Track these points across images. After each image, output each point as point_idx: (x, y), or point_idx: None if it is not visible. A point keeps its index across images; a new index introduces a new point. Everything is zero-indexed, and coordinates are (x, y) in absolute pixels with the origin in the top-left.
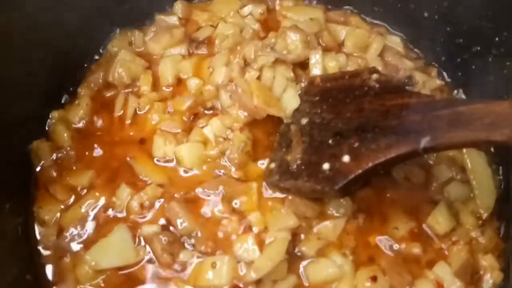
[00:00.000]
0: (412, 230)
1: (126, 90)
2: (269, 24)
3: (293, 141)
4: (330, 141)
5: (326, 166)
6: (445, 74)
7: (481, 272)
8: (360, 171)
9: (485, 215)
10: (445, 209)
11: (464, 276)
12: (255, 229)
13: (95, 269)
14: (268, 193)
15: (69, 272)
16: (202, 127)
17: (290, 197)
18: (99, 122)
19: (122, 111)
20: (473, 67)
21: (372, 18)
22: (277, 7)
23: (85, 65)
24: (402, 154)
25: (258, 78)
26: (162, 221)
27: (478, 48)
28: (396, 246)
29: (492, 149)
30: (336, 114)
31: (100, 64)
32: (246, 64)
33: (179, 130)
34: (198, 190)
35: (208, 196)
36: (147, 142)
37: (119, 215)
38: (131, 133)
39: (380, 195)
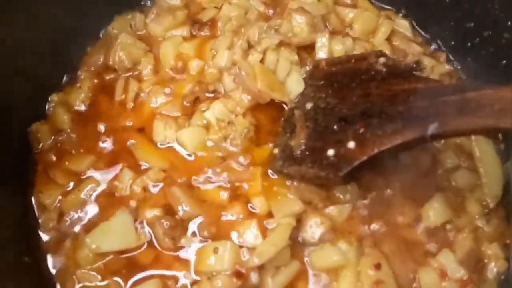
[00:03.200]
0: (417, 217)
1: (126, 74)
2: (276, 5)
3: (297, 126)
4: (335, 127)
5: (330, 152)
6: (454, 59)
7: (486, 260)
8: (365, 157)
9: (491, 204)
10: (439, 202)
11: (468, 264)
12: (259, 214)
13: (96, 252)
14: (272, 178)
15: (69, 255)
16: (204, 111)
17: (295, 183)
18: (100, 106)
19: (123, 95)
20: (484, 52)
21: (380, 1)
22: None
23: (85, 47)
24: (409, 140)
25: (262, 61)
26: (165, 206)
27: (490, 32)
28: (401, 233)
29: (500, 136)
30: (342, 99)
31: (100, 47)
32: (250, 46)
33: (180, 114)
34: (201, 175)
35: (211, 181)
36: (147, 129)
37: (121, 198)
38: (132, 117)
39: (386, 180)
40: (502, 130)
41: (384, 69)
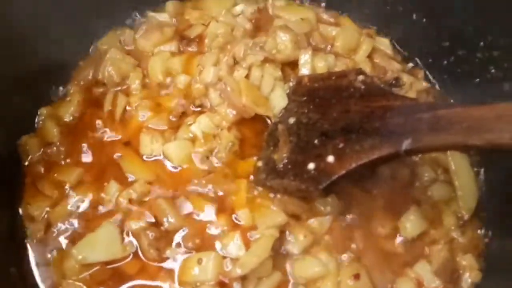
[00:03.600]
0: (396, 228)
1: (115, 88)
2: (261, 23)
3: (280, 141)
4: (316, 141)
5: (311, 166)
6: (431, 76)
7: (461, 271)
8: (343, 171)
9: (466, 216)
10: (415, 215)
11: (444, 275)
12: (243, 226)
13: (82, 263)
14: (256, 190)
15: (56, 266)
16: (190, 125)
17: (278, 196)
18: (88, 119)
19: (110, 109)
20: (459, 70)
21: (362, 20)
22: (269, 7)
23: (75, 62)
24: (385, 155)
25: (247, 76)
26: (150, 217)
27: (464, 51)
28: (380, 244)
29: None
30: (323, 114)
31: (90, 62)
32: (235, 62)
33: (166, 128)
34: (187, 187)
35: (197, 193)
36: (134, 142)
37: (108, 210)
38: (120, 131)
39: (366, 192)
40: (470, 147)
41: (363, 87)
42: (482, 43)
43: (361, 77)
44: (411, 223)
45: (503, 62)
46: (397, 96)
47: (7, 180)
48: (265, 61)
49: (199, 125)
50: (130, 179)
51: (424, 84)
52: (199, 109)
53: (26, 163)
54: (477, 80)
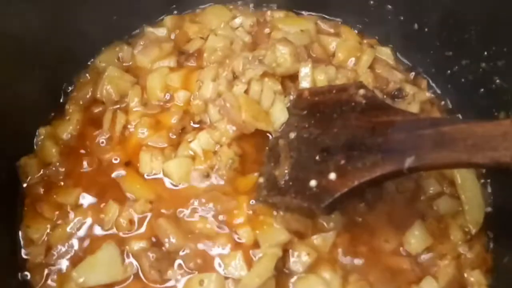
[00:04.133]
0: (401, 244)
1: (114, 107)
2: (260, 36)
3: (281, 156)
4: (317, 157)
5: (313, 183)
6: (435, 86)
7: None
8: (346, 189)
9: (473, 231)
10: (420, 230)
11: None
12: (245, 244)
13: (82, 286)
14: (258, 207)
15: None
16: (190, 142)
17: (281, 213)
18: (88, 139)
19: (110, 128)
20: (463, 80)
21: (363, 30)
22: (268, 19)
23: (73, 80)
24: (387, 173)
25: (246, 91)
26: (151, 238)
27: (468, 61)
28: (385, 260)
29: None
30: (323, 129)
31: (88, 80)
32: (235, 77)
33: (166, 145)
34: (187, 206)
35: (198, 212)
36: (134, 160)
37: (108, 232)
38: (119, 150)
39: (370, 207)
40: (474, 165)
41: (364, 101)
42: (486, 53)
43: (362, 91)
44: (416, 239)
45: (508, 72)
46: (398, 110)
47: (6, 203)
48: (265, 75)
49: (199, 142)
50: (130, 199)
51: (428, 94)
52: (198, 125)
53: (25, 185)
54: (482, 90)
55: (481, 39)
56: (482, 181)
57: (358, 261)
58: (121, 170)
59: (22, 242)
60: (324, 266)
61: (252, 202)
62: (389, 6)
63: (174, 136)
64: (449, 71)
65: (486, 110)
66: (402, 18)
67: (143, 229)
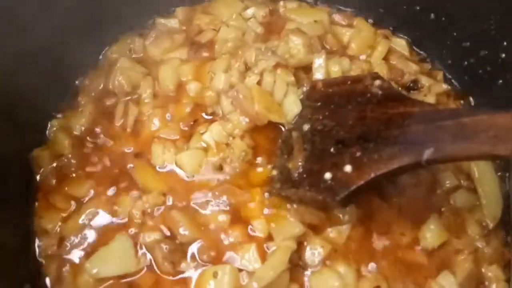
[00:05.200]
0: (417, 238)
1: (126, 98)
2: (273, 26)
3: (295, 148)
4: (331, 149)
5: (327, 175)
6: (451, 78)
7: (486, 283)
8: (362, 182)
9: (491, 225)
10: (435, 224)
11: (469, 286)
12: (259, 239)
13: (96, 277)
14: (272, 200)
15: (69, 281)
16: (202, 134)
17: (295, 205)
18: (100, 131)
19: (122, 120)
20: (480, 71)
21: (377, 20)
22: (281, 9)
23: (85, 72)
24: (405, 165)
25: (259, 82)
26: (164, 229)
27: (486, 52)
28: (401, 254)
29: None
30: (338, 121)
31: (100, 72)
32: (247, 68)
33: (178, 137)
34: (201, 198)
35: (211, 204)
36: (146, 152)
37: (121, 223)
38: (131, 141)
39: (386, 200)
40: (497, 157)
41: (380, 92)
42: (505, 43)
43: (377, 82)
44: (431, 233)
45: None
46: (415, 101)
47: (20, 194)
48: (277, 66)
49: (211, 134)
50: (143, 191)
51: (444, 86)
52: (211, 117)
53: (38, 176)
54: (500, 81)
55: (500, 29)
56: (500, 173)
57: (373, 255)
58: (133, 162)
59: (35, 233)
60: (338, 259)
61: (267, 195)
62: None
63: (186, 128)
64: (466, 62)
65: (504, 101)
66: (418, 8)
67: (156, 221)
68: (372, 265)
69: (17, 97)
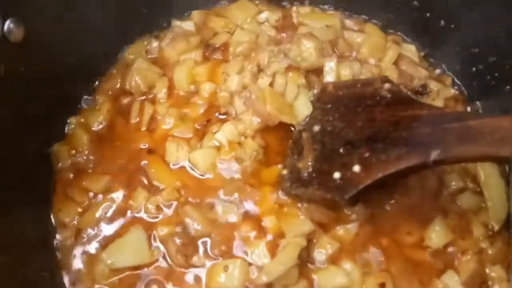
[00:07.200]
0: (423, 237)
1: (142, 97)
2: (286, 30)
3: (305, 149)
4: (341, 150)
5: (336, 175)
6: (460, 83)
7: (489, 282)
8: (370, 181)
9: (496, 227)
10: (440, 225)
11: (472, 286)
12: (270, 235)
13: (111, 267)
14: (283, 198)
15: (85, 271)
16: (215, 133)
17: (305, 204)
18: (116, 128)
19: (138, 118)
20: (488, 77)
21: (388, 26)
22: (294, 14)
23: (103, 71)
24: (412, 166)
25: (271, 84)
26: (177, 224)
27: (495, 58)
28: (407, 253)
29: None
30: (348, 122)
31: (117, 72)
32: (259, 70)
33: (191, 136)
34: (213, 195)
35: (223, 201)
36: (160, 150)
37: (136, 216)
38: (146, 139)
39: (393, 200)
40: (502, 159)
41: (389, 95)
42: None
43: (387, 85)
44: (437, 233)
45: None
46: (423, 104)
47: (39, 187)
48: (289, 68)
49: (223, 133)
50: (157, 187)
51: (452, 91)
52: (224, 117)
53: (57, 171)
54: (508, 87)
55: (509, 36)
56: (507, 173)
57: (379, 253)
58: (148, 159)
59: (54, 225)
60: (345, 257)
61: (280, 194)
62: (415, 3)
63: (200, 127)
64: (474, 68)
65: (511, 106)
66: (428, 15)
67: (170, 215)
68: (378, 263)
69: (38, 94)
